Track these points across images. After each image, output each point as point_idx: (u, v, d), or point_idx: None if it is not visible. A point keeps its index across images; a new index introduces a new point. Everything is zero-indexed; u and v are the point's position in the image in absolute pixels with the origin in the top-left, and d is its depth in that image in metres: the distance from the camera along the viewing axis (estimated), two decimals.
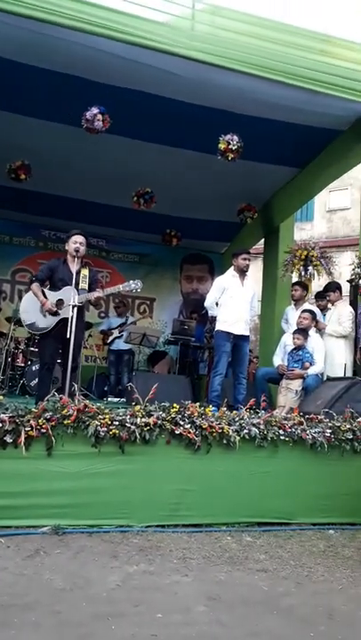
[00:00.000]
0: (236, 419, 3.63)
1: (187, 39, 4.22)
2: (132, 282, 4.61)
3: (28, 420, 3.12)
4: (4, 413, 3.11)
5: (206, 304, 5.44)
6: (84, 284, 4.44)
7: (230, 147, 4.93)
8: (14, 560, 2.64)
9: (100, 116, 4.58)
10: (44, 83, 4.67)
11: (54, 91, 4.79)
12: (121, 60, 4.23)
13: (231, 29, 4.49)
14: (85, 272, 4.52)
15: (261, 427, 3.61)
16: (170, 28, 4.24)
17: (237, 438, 3.48)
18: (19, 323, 6.64)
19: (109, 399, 6.88)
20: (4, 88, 4.86)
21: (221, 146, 4.97)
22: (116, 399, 6.88)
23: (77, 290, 4.34)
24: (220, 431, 3.45)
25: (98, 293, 4.41)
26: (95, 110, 4.58)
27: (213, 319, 5.64)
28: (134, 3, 4.16)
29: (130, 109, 4.88)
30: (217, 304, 5.29)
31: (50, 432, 3.14)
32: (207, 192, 6.73)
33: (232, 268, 5.41)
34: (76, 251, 4.43)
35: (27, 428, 3.09)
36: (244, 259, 5.30)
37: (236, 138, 4.95)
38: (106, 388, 7.60)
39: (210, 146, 5.08)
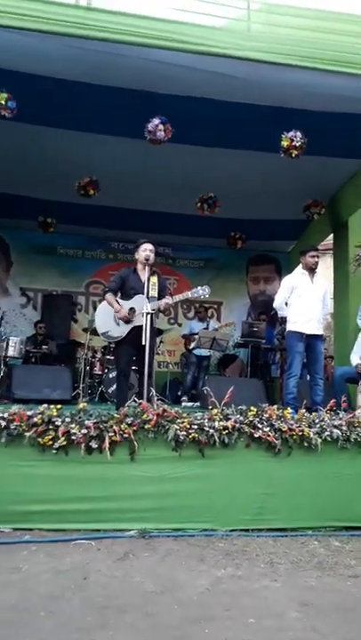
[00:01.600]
0: (317, 420, 3.55)
1: (243, 40, 4.21)
2: (200, 288, 4.63)
3: (111, 426, 3.22)
4: (88, 420, 3.23)
5: (275, 304, 5.35)
6: (153, 292, 4.52)
7: (294, 143, 4.84)
8: (105, 562, 2.73)
9: (161, 126, 4.67)
10: (107, 99, 4.83)
11: (117, 106, 4.94)
12: (180, 69, 4.30)
13: (288, 25, 4.43)
14: (155, 280, 4.60)
15: (344, 428, 3.50)
16: (226, 32, 4.25)
17: (319, 440, 3.39)
18: (95, 332, 6.90)
19: (184, 404, 6.95)
20: (70, 108, 5.09)
21: (284, 143, 4.90)
22: (190, 403, 6.94)
23: (148, 298, 4.43)
24: (300, 434, 3.39)
25: (167, 300, 4.48)
26: (156, 121, 4.68)
27: (284, 320, 5.54)
28: (189, 11, 4.22)
29: (191, 117, 4.92)
30: (286, 304, 5.19)
31: (132, 437, 3.22)
32: (271, 191, 6.64)
33: (300, 266, 5.30)
34: (146, 259, 4.52)
35: (110, 434, 3.19)
36: (313, 256, 5.17)
37: (299, 134, 4.86)
38: (179, 393, 7.68)
39: (272, 144, 5.02)
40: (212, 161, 5.95)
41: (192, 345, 7.64)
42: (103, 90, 4.71)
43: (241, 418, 3.39)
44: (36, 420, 3.19)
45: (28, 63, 4.49)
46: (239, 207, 7.16)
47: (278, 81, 4.50)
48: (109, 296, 4.61)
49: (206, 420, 3.36)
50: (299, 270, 5.28)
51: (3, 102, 4.50)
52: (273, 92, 4.72)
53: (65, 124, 5.41)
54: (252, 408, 3.49)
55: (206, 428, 3.30)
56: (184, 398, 7.41)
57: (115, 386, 6.35)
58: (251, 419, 3.39)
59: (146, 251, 4.57)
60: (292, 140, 4.85)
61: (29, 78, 4.62)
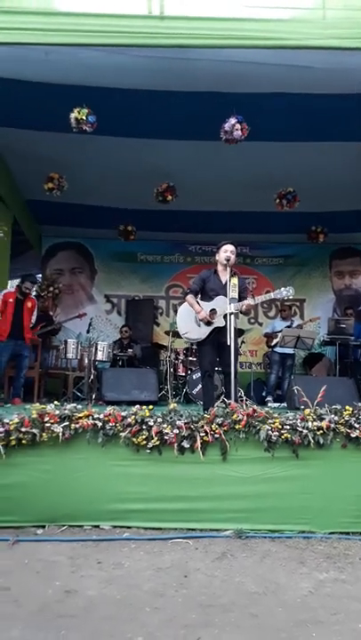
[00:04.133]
0: None
1: (320, 29, 4.06)
2: (283, 289, 4.53)
3: (202, 426, 3.25)
4: (179, 420, 3.28)
5: None
6: (234, 293, 4.49)
7: None
8: (204, 562, 2.76)
9: (238, 126, 4.63)
10: (183, 104, 4.89)
11: (192, 110, 4.99)
12: (255, 66, 4.25)
13: None
14: (235, 281, 4.57)
15: None
16: (300, 23, 4.12)
17: None
18: (176, 335, 7.00)
19: (270, 404, 6.83)
20: (146, 117, 5.21)
21: None
22: (275, 404, 6.81)
23: (228, 299, 4.41)
24: None
25: (250, 302, 4.43)
26: (233, 120, 4.64)
27: None
28: (261, 6, 4.15)
29: (267, 113, 4.86)
30: None
31: (223, 437, 3.23)
32: (353, 181, 6.37)
33: None
34: (227, 260, 4.51)
35: (201, 434, 3.22)
36: None
37: None
38: (263, 394, 7.56)
39: (353, 133, 4.82)
40: (290, 155, 5.83)
41: (274, 342, 7.47)
42: (179, 95, 4.78)
43: (336, 418, 3.28)
44: (130, 420, 3.29)
45: (104, 78, 4.66)
46: (320, 200, 6.94)
47: (357, 67, 4.32)
48: (190, 297, 4.66)
49: (299, 421, 3.29)
50: None
51: (84, 118, 4.68)
52: (351, 79, 4.52)
53: (141, 133, 5.55)
54: (347, 407, 3.36)
55: (299, 429, 3.23)
56: (269, 398, 7.27)
57: (199, 387, 6.41)
58: (346, 418, 3.27)
59: (227, 252, 4.56)
60: None
61: (106, 92, 4.79)
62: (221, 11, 4.12)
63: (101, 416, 3.32)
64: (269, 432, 3.21)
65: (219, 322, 4.41)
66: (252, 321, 9.07)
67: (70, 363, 7.07)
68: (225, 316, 4.31)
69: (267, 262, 9.21)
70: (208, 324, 4.49)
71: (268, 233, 8.45)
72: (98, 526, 3.24)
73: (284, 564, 2.71)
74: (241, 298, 4.47)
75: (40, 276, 8.94)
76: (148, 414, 3.32)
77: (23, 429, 3.26)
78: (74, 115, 4.64)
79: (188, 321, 4.68)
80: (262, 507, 3.19)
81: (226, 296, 4.41)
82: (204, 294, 4.70)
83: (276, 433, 3.21)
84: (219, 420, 3.30)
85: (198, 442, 3.20)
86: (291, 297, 4.52)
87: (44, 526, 3.21)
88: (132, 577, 2.58)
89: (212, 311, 4.51)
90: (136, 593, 2.40)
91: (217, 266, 4.74)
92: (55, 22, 4.06)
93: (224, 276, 4.58)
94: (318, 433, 3.21)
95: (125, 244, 8.34)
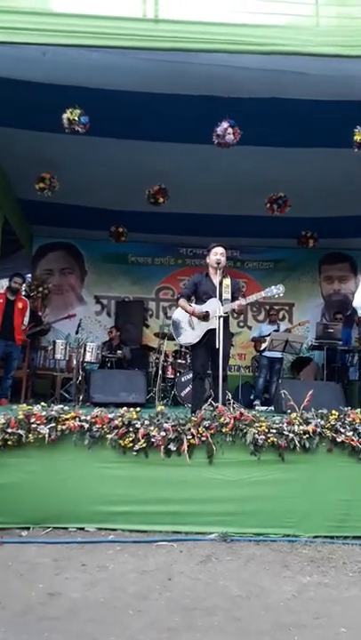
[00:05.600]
0: None
1: (313, 36, 4.11)
2: (273, 287, 4.56)
3: (189, 429, 3.25)
4: (166, 422, 3.28)
5: (356, 304, 5.17)
6: (227, 294, 4.52)
7: None
8: (188, 565, 2.76)
9: (230, 130, 4.64)
10: (175, 107, 4.90)
11: (184, 113, 5.00)
12: (249, 72, 4.27)
13: (358, 16, 4.28)
14: (227, 282, 4.59)
15: None
16: (294, 29, 4.17)
17: None
18: (165, 337, 7.00)
19: (257, 407, 6.86)
20: (139, 119, 5.21)
21: (358, 137, 4.71)
22: (263, 407, 6.83)
23: (221, 301, 4.43)
24: None
25: (241, 301, 4.46)
26: (225, 124, 4.65)
27: None
28: (256, 12, 4.18)
29: (259, 118, 4.88)
30: None
31: (210, 440, 3.24)
32: (343, 187, 6.42)
33: None
34: (218, 262, 4.53)
35: (188, 437, 3.22)
36: None
37: None
38: (251, 397, 7.58)
39: (345, 139, 4.85)
40: (282, 160, 5.85)
41: (263, 346, 7.50)
42: (171, 98, 4.78)
43: (322, 422, 3.30)
44: (116, 422, 3.29)
45: (98, 79, 4.65)
46: (310, 205, 6.97)
47: (351, 74, 4.35)
48: (182, 301, 4.67)
49: (285, 424, 3.31)
50: None
51: (76, 118, 4.66)
52: (344, 86, 4.56)
53: (134, 135, 5.55)
54: (333, 412, 3.39)
55: (286, 432, 3.25)
56: (256, 402, 7.30)
57: (187, 389, 6.42)
58: (332, 423, 3.30)
59: (217, 255, 4.58)
60: None
61: (99, 93, 4.78)
62: (216, 15, 4.15)
63: (88, 418, 3.31)
64: (256, 435, 3.22)
65: (212, 323, 4.41)
66: (241, 324, 9.10)
67: (58, 364, 7.04)
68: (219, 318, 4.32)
69: (257, 266, 9.24)
70: (204, 319, 4.48)
71: (258, 237, 8.48)
72: (83, 528, 3.23)
73: (268, 568, 2.73)
74: (234, 298, 4.49)
75: (30, 275, 8.90)
76: (135, 416, 3.32)
77: (9, 430, 3.24)
78: (66, 115, 4.62)
79: (183, 325, 4.69)
80: (247, 510, 3.20)
81: (218, 298, 4.42)
82: (197, 298, 4.71)
83: (263, 436, 3.23)
84: (206, 423, 3.31)
85: (185, 444, 3.20)
86: (281, 295, 4.55)
87: (28, 528, 3.20)
88: (117, 579, 2.57)
89: (206, 313, 4.52)
90: (120, 596, 2.40)
91: (208, 269, 4.76)
92: (51, 23, 4.05)
93: (216, 278, 4.60)
94: (304, 437, 3.23)
95: (116, 246, 8.32)
